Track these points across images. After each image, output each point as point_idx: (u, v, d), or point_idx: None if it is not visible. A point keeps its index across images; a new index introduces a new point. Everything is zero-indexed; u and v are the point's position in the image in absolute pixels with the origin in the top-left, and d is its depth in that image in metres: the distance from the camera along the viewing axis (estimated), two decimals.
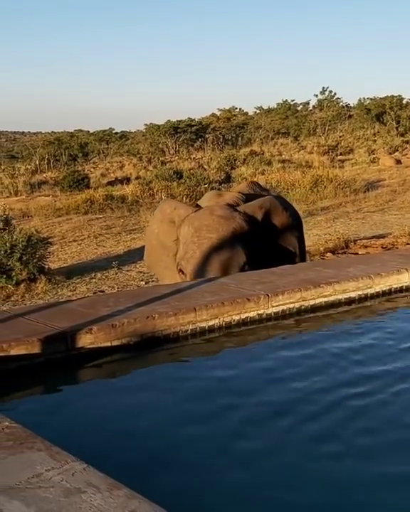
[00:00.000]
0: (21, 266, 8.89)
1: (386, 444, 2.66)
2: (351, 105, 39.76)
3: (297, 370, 3.42)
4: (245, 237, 5.55)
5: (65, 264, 10.81)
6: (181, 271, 5.60)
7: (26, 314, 3.68)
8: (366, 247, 10.62)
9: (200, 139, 32.95)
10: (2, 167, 23.72)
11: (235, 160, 23.42)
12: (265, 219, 5.86)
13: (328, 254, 10.15)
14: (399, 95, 36.63)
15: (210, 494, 2.30)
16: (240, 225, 5.66)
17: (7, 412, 2.57)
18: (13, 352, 3.14)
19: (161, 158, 27.85)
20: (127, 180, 21.28)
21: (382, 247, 10.30)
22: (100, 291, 8.78)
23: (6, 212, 10.29)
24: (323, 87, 40.33)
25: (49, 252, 10.00)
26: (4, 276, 8.78)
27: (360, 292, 4.48)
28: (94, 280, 9.50)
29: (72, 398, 3.15)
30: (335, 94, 40.23)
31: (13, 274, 8.85)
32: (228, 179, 19.94)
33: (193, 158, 27.77)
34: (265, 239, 5.80)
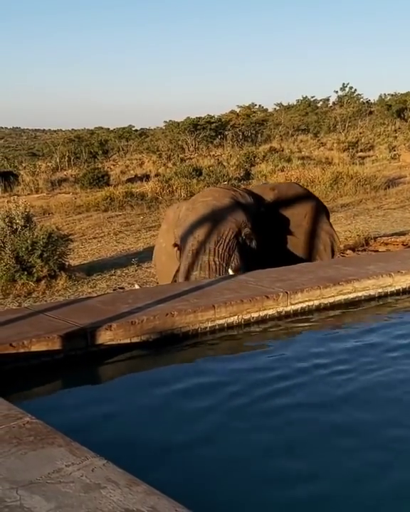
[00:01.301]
0: (42, 263, 8.96)
1: None
2: (372, 101, 39.40)
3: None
4: (249, 210, 5.36)
5: (85, 261, 10.88)
6: (177, 246, 5.43)
7: (47, 311, 3.72)
8: (386, 244, 10.53)
9: (219, 136, 32.91)
10: (23, 165, 23.91)
11: (254, 157, 23.37)
12: (279, 203, 5.72)
13: (348, 252, 10.09)
14: None
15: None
16: (242, 195, 5.49)
17: (28, 407, 2.60)
18: (34, 348, 3.17)
19: (180, 156, 27.88)
20: (146, 177, 21.35)
21: (403, 245, 10.21)
22: (119, 288, 8.82)
23: (27, 210, 10.34)
24: (343, 84, 40.03)
25: (69, 249, 10.06)
26: (25, 272, 8.86)
27: (380, 290, 4.45)
28: (114, 277, 9.55)
29: (92, 394, 3.18)
30: (356, 90, 39.89)
31: (34, 270, 8.92)
32: (247, 176, 19.90)
33: (213, 155, 27.76)
34: (278, 225, 5.62)
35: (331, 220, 6.52)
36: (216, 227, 5.24)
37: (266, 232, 5.55)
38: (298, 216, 5.86)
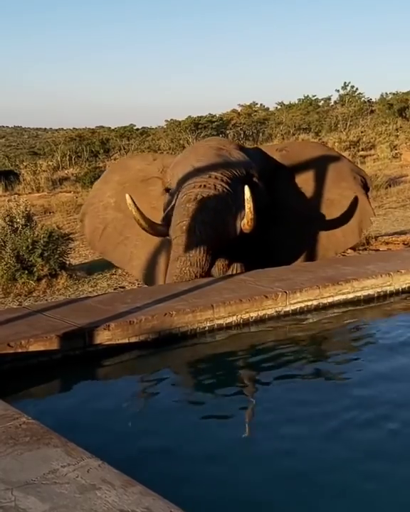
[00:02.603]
0: (43, 262, 8.96)
1: None
2: (374, 100, 39.33)
3: None
4: (249, 168, 4.47)
5: (85, 260, 10.88)
6: (168, 191, 4.50)
7: (45, 310, 3.72)
8: (387, 243, 10.53)
9: (221, 135, 32.86)
10: (24, 163, 23.89)
11: None
12: (289, 167, 4.78)
13: (348, 251, 10.08)
14: None
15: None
16: (240, 155, 4.53)
17: (25, 408, 2.60)
18: (32, 348, 3.17)
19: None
20: None
21: (404, 244, 10.21)
22: (120, 287, 8.83)
23: (28, 209, 10.34)
24: (345, 82, 39.95)
25: (70, 248, 10.06)
26: (26, 272, 8.86)
27: (379, 290, 4.44)
28: (114, 276, 9.55)
29: (89, 394, 3.18)
30: (357, 89, 39.82)
31: (35, 269, 8.92)
32: None
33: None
34: (286, 196, 4.70)
35: None
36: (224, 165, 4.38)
37: (270, 204, 4.70)
38: (314, 181, 4.83)
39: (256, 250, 4.62)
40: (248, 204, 4.17)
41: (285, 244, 4.83)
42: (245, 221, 4.27)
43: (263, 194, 4.57)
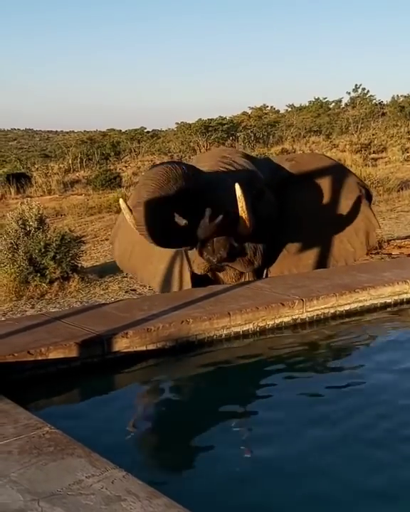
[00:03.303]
0: (55, 265, 9.00)
1: None
2: (385, 103, 39.22)
3: None
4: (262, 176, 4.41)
5: (97, 263, 10.92)
6: None
7: (63, 317, 3.73)
8: (400, 247, 10.48)
9: (231, 138, 32.87)
10: (36, 166, 24.03)
11: None
12: (297, 177, 4.75)
13: None
14: None
15: None
16: (244, 162, 4.46)
17: (45, 416, 2.61)
18: (52, 356, 3.18)
19: (192, 157, 27.86)
20: None
21: None
22: (131, 289, 8.86)
23: (41, 212, 10.40)
24: (356, 85, 39.91)
25: (82, 251, 10.10)
26: (38, 274, 8.89)
27: (396, 297, 4.43)
28: (126, 279, 9.57)
29: (108, 402, 3.19)
30: (368, 91, 39.77)
31: (47, 272, 8.96)
32: None
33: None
34: (294, 206, 4.65)
35: None
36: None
37: (279, 214, 4.68)
38: (323, 193, 4.85)
39: (265, 260, 4.63)
40: (241, 203, 3.98)
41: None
42: (240, 222, 4.07)
43: (270, 203, 4.57)
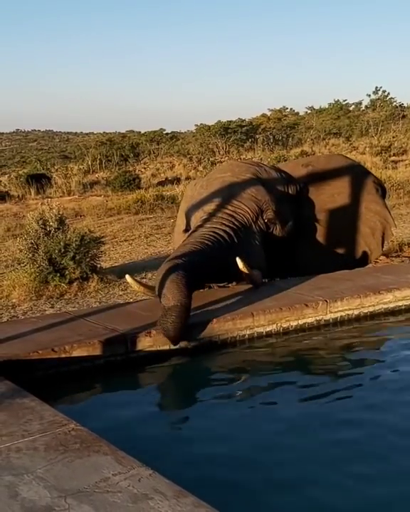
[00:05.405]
0: (74, 265, 9.02)
1: None
2: (405, 105, 38.91)
3: None
4: (275, 190, 4.48)
5: (116, 264, 10.93)
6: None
7: (86, 316, 3.73)
8: None
9: (250, 140, 32.83)
10: (56, 167, 24.19)
11: (285, 160, 23.25)
12: (314, 181, 4.81)
13: (381, 257, 9.94)
14: None
15: None
16: (267, 171, 4.58)
17: (69, 413, 2.60)
18: (75, 353, 3.18)
19: (211, 159, 27.86)
20: (177, 180, 21.39)
21: None
22: None
23: (60, 212, 10.44)
24: (376, 87, 39.61)
25: (101, 252, 10.12)
26: (58, 274, 8.92)
27: None
28: (144, 280, 9.57)
29: (132, 400, 3.18)
30: (388, 93, 39.47)
31: (67, 272, 8.98)
32: None
33: (244, 158, 27.68)
34: (312, 209, 4.74)
35: None
36: (232, 207, 4.30)
37: (296, 219, 4.71)
38: (340, 196, 4.87)
39: (284, 263, 4.71)
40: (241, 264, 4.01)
41: (313, 258, 4.89)
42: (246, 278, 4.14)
43: (289, 211, 4.65)
